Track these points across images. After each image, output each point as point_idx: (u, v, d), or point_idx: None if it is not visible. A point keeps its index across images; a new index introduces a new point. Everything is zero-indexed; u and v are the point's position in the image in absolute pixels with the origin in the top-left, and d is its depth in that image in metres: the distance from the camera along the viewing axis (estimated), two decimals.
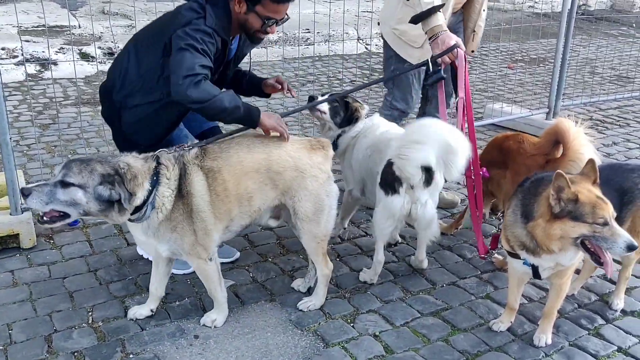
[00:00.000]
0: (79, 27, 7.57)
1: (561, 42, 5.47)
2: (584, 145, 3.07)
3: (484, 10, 3.83)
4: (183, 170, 2.62)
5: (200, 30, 2.75)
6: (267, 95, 3.37)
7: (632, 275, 3.12)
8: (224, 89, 2.91)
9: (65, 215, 2.44)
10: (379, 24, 3.93)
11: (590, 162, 2.51)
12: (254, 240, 3.59)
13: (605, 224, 2.34)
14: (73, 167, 2.39)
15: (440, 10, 3.24)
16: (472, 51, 3.96)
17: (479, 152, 3.44)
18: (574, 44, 8.39)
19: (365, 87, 3.62)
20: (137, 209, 2.52)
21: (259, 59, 7.22)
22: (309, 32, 7.76)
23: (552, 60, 5.75)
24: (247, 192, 2.74)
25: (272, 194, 2.81)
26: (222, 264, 3.19)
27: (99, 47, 6.96)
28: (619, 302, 3.04)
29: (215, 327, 2.82)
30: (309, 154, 2.85)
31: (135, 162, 2.55)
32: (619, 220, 2.74)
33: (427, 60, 3.26)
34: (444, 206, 3.91)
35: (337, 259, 3.43)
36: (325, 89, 6.65)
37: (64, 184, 2.38)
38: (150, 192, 2.53)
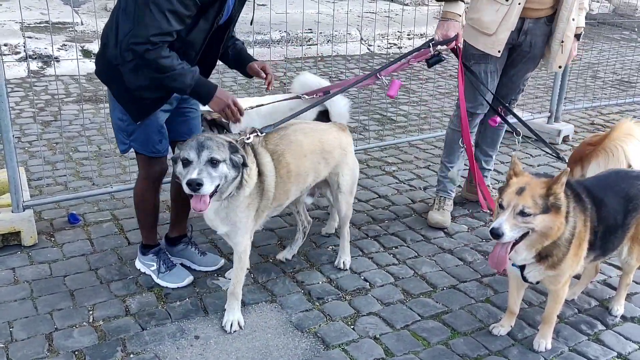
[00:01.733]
0: (82, 24, 7.57)
1: None
2: (622, 138, 3.29)
3: (572, 19, 3.54)
4: (254, 151, 2.83)
5: None
6: (249, 77, 3.24)
7: (632, 281, 3.12)
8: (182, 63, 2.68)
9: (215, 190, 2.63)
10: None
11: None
12: (254, 241, 3.57)
13: (501, 206, 2.44)
14: (213, 146, 2.57)
15: (464, 1, 3.44)
16: (560, 66, 3.67)
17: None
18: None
19: (354, 86, 3.50)
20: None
21: (262, 57, 7.20)
22: (311, 32, 7.76)
23: None
24: (305, 171, 3.02)
25: (324, 171, 3.15)
26: (224, 265, 3.21)
27: None
28: (619, 308, 3.04)
29: (241, 327, 2.83)
30: (344, 134, 3.25)
31: (231, 138, 2.79)
32: (624, 227, 2.77)
33: (428, 43, 3.44)
34: (433, 225, 3.84)
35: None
36: None
37: (214, 162, 2.56)
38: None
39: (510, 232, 2.39)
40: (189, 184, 2.49)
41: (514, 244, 2.46)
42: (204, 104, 2.84)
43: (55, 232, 3.57)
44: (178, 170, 2.62)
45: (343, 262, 3.37)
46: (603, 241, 2.72)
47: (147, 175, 3.07)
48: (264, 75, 3.14)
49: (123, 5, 2.70)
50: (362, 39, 8.26)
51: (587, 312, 3.07)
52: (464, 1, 3.44)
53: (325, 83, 3.64)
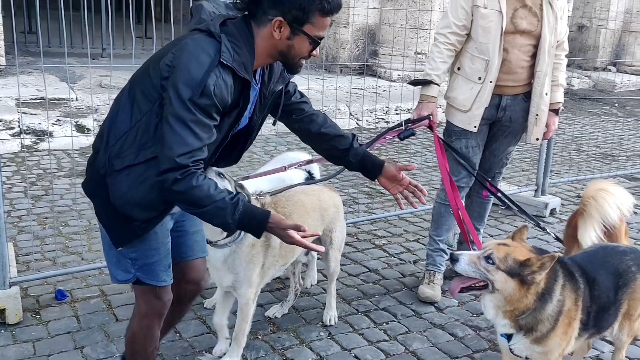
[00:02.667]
0: (77, 99, 7.72)
1: None
2: (599, 188, 3.33)
3: (545, 93, 3.71)
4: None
5: (207, 76, 2.11)
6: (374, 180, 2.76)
7: (625, 357, 3.10)
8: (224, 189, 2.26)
9: None
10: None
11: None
12: None
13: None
14: None
15: (438, 84, 3.65)
16: (537, 138, 3.79)
17: None
18: (560, 122, 8.63)
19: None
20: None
21: None
22: None
23: None
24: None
25: (320, 228, 3.24)
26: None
27: (95, 120, 7.08)
28: None
29: None
30: (335, 194, 3.48)
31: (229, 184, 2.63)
32: (616, 303, 2.75)
33: (402, 122, 3.58)
34: (424, 300, 3.82)
35: (328, 337, 3.38)
36: None
37: None
38: None
39: (465, 265, 2.46)
40: None
41: (473, 287, 2.50)
42: (258, 237, 2.34)
43: (41, 309, 3.51)
44: None
45: (330, 318, 3.50)
46: (597, 320, 2.72)
47: (151, 310, 2.50)
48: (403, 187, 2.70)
49: (124, 104, 2.27)
50: (350, 114, 8.47)
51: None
52: (438, 85, 3.64)
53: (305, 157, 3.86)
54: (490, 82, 3.59)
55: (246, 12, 2.26)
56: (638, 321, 2.91)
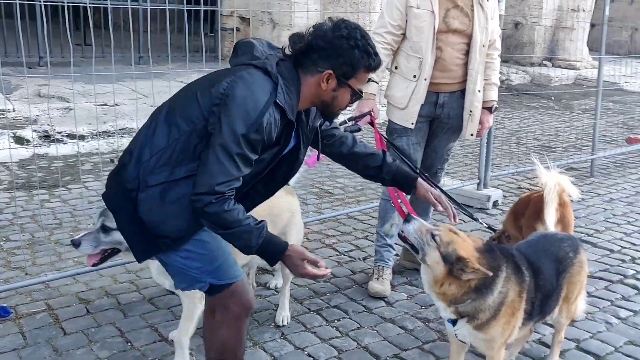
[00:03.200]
0: (14, 110, 7.49)
1: None
2: (549, 180, 3.63)
3: (478, 90, 3.85)
4: None
5: (260, 115, 2.21)
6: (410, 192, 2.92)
7: (565, 338, 3.25)
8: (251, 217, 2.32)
9: (115, 251, 2.85)
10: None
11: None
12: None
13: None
14: (109, 214, 2.66)
15: (377, 82, 3.66)
16: (472, 134, 3.93)
17: None
18: (500, 117, 8.93)
19: None
20: None
21: None
22: None
23: None
24: None
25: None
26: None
27: (35, 130, 6.89)
28: None
29: None
30: (292, 197, 3.51)
31: None
32: (558, 289, 2.89)
33: (345, 120, 3.66)
34: (374, 295, 3.89)
35: (281, 337, 3.42)
36: None
37: (105, 229, 2.76)
38: None
39: (412, 230, 2.57)
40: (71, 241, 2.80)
41: (409, 245, 2.62)
42: (272, 265, 2.49)
43: None
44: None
45: (282, 318, 3.53)
46: (542, 307, 2.84)
47: (242, 309, 2.51)
48: (438, 206, 2.81)
49: (161, 122, 2.34)
50: None
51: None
52: (376, 83, 3.71)
53: None
54: (425, 79, 3.71)
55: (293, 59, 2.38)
56: (575, 304, 3.07)
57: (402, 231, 2.63)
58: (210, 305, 2.61)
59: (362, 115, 3.74)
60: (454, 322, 2.69)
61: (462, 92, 3.87)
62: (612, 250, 4.73)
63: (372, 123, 3.76)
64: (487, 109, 3.98)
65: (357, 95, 2.45)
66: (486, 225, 3.46)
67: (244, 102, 2.21)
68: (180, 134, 2.28)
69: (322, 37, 2.32)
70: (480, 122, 3.98)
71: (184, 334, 3.04)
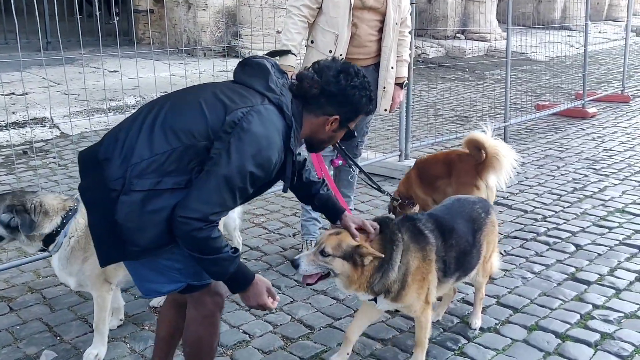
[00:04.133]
0: None
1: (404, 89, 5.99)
2: (498, 144, 4.03)
3: (391, 67, 3.98)
4: None
5: (268, 149, 2.23)
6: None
7: (486, 295, 3.45)
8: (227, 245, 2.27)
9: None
10: None
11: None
12: (127, 310, 3.49)
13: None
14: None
15: (295, 55, 3.77)
16: (385, 109, 4.08)
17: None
18: (417, 90, 9.19)
19: None
20: (51, 240, 2.90)
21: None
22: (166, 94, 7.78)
23: (399, 106, 6.27)
24: None
25: None
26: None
27: None
28: (477, 321, 3.34)
29: None
30: None
31: (52, 199, 2.95)
32: (476, 245, 3.07)
33: None
34: None
35: None
36: None
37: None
38: (63, 224, 2.89)
39: (306, 266, 2.67)
40: None
41: (322, 277, 2.72)
42: (234, 293, 2.35)
43: None
44: None
45: None
46: (460, 263, 3.00)
47: (215, 306, 2.48)
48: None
49: (158, 127, 2.22)
50: None
51: (451, 329, 3.34)
52: (295, 55, 3.79)
53: None
54: (341, 55, 3.78)
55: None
56: (490, 262, 3.27)
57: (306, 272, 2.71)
58: (175, 300, 2.58)
59: None
60: (375, 300, 2.82)
61: (375, 66, 3.99)
62: (525, 211, 5.03)
63: None
64: (398, 84, 4.15)
65: (350, 134, 2.56)
66: (391, 196, 3.65)
67: (258, 141, 2.19)
68: (177, 144, 2.19)
69: (335, 84, 2.38)
70: (392, 98, 4.12)
71: (102, 323, 3.04)
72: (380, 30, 3.90)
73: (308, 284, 2.77)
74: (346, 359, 3.00)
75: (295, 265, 2.69)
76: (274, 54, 3.86)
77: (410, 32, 4.19)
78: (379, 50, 3.94)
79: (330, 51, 3.79)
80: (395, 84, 4.10)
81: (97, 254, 2.35)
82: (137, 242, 2.21)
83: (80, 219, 2.95)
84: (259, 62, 2.41)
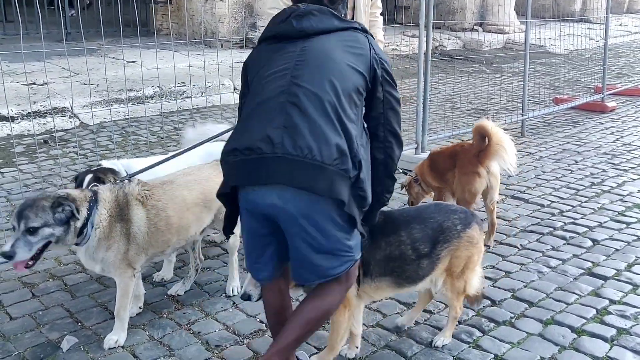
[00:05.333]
0: None
1: (421, 81, 5.98)
2: (502, 133, 4.06)
3: None
4: (124, 199, 3.06)
5: None
6: None
7: (501, 288, 3.45)
8: None
9: (46, 246, 2.90)
10: None
11: None
12: (146, 298, 3.54)
13: None
14: (30, 215, 2.79)
15: None
16: None
17: None
18: (434, 83, 9.15)
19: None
20: (80, 232, 2.93)
21: (136, 114, 7.18)
22: (185, 85, 7.84)
23: (416, 99, 6.26)
24: (187, 223, 3.24)
25: (207, 218, 3.34)
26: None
27: None
28: (442, 338, 3.10)
29: (119, 346, 3.07)
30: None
31: (73, 193, 3.00)
32: (432, 257, 2.85)
33: None
34: None
35: (233, 307, 3.48)
36: None
37: (31, 230, 2.80)
38: (88, 215, 2.92)
39: (253, 295, 2.71)
40: (1, 254, 2.80)
41: None
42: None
43: None
44: None
45: (232, 288, 3.61)
46: (390, 268, 2.83)
47: (350, 285, 2.61)
48: None
49: (342, 111, 2.32)
50: (235, 88, 8.46)
51: (466, 322, 3.35)
52: None
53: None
54: None
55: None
56: (463, 279, 3.00)
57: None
58: (279, 286, 2.65)
59: None
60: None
61: None
62: (542, 205, 5.01)
63: None
64: None
65: None
66: (401, 170, 3.73)
67: (387, 60, 2.55)
68: (358, 113, 2.42)
69: None
70: None
71: (123, 309, 3.12)
72: (352, 17, 3.97)
73: None
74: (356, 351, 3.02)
75: (245, 298, 2.71)
76: None
77: (381, 14, 4.24)
78: None
79: None
80: None
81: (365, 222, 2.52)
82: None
83: (102, 209, 3.00)
84: (320, 8, 2.48)
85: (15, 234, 2.82)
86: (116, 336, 3.09)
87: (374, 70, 2.46)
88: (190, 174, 3.39)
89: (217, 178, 3.32)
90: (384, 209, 2.77)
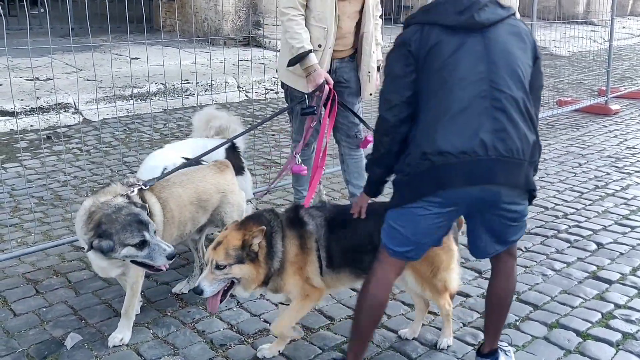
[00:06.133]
0: None
1: None
2: None
3: (373, 52, 4.09)
4: (142, 197, 3.06)
5: None
6: None
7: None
8: None
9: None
10: (277, 70, 4.30)
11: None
12: (150, 296, 3.54)
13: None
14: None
15: (312, 51, 3.83)
16: (370, 94, 4.18)
17: None
18: None
19: (251, 131, 3.91)
20: None
21: (140, 111, 7.16)
22: (189, 82, 7.82)
23: None
24: (184, 220, 3.27)
25: (203, 218, 3.39)
26: None
27: None
28: (445, 339, 3.10)
29: (124, 344, 3.05)
30: (222, 175, 3.48)
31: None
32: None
33: (305, 95, 3.85)
34: None
35: (237, 306, 3.48)
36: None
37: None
38: None
39: (210, 288, 2.66)
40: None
41: (227, 290, 2.74)
42: None
43: None
44: (127, 253, 2.84)
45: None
46: (350, 259, 2.90)
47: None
48: None
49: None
50: (239, 86, 8.45)
51: (471, 324, 3.35)
52: (312, 51, 3.83)
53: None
54: (330, 48, 3.93)
55: None
56: (437, 279, 2.94)
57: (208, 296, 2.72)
58: (402, 267, 2.73)
59: (321, 87, 3.82)
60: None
61: (351, 56, 4.12)
62: (546, 208, 5.00)
63: (330, 90, 3.86)
64: (377, 67, 4.23)
65: None
66: None
67: None
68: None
69: None
70: None
71: (132, 308, 3.11)
72: (358, 22, 4.02)
73: (212, 313, 2.85)
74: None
75: (198, 291, 2.67)
76: (294, 62, 3.92)
77: (380, 16, 4.28)
78: (355, 42, 4.07)
79: (320, 45, 3.89)
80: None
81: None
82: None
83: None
84: None
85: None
86: (121, 334, 3.09)
87: (537, 58, 2.58)
88: (184, 174, 3.39)
89: (211, 179, 3.41)
90: (346, 202, 2.89)
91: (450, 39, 2.43)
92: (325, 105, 3.88)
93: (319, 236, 2.87)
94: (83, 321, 3.30)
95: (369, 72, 4.10)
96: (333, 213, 2.98)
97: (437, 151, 2.38)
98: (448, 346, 3.10)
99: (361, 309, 2.66)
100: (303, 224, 2.88)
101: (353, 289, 3.68)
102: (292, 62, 3.92)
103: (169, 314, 3.39)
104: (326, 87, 3.83)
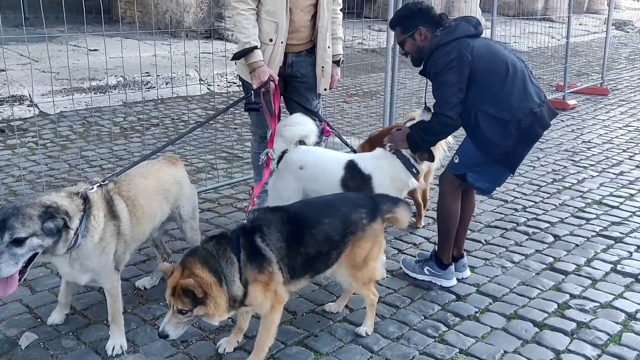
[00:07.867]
0: None
1: (389, 76, 6.01)
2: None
3: (328, 47, 4.09)
4: (109, 196, 2.92)
5: None
6: None
7: (466, 283, 3.48)
8: None
9: (32, 259, 2.60)
10: (235, 63, 4.24)
11: None
12: None
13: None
14: (15, 225, 2.48)
15: (258, 48, 3.82)
16: (325, 89, 4.16)
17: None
18: (401, 77, 9.18)
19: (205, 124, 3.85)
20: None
21: (99, 104, 7.01)
22: (149, 75, 7.68)
23: (383, 94, 6.28)
24: (154, 212, 3.20)
25: (167, 208, 3.33)
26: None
27: None
28: (364, 328, 3.17)
29: (124, 352, 2.94)
30: (176, 168, 3.44)
31: (62, 199, 2.70)
32: (340, 246, 2.98)
33: (251, 92, 3.86)
34: None
35: None
36: (171, 131, 6.62)
37: (18, 242, 2.49)
38: (80, 222, 2.70)
39: (175, 331, 2.65)
40: None
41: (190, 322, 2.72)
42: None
43: None
44: None
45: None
46: (309, 267, 2.96)
47: None
48: None
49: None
50: (201, 79, 8.34)
51: (432, 316, 3.39)
52: (258, 48, 3.84)
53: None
54: (282, 42, 3.91)
55: None
56: (367, 269, 3.10)
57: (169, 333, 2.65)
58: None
59: (265, 84, 3.82)
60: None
61: (308, 51, 4.11)
62: (506, 201, 5.10)
63: (276, 87, 3.86)
64: (335, 62, 4.24)
65: None
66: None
67: None
68: None
69: None
70: (330, 76, 4.21)
71: (118, 314, 3.00)
72: (314, 16, 4.01)
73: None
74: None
75: (164, 335, 2.64)
76: (238, 56, 3.93)
77: (341, 10, 4.28)
78: (312, 36, 4.06)
79: (271, 40, 3.88)
80: (333, 62, 4.20)
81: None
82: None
83: (98, 213, 2.81)
84: (471, 17, 3.55)
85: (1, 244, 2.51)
86: (118, 342, 2.97)
87: None
88: (142, 167, 3.31)
89: (168, 170, 3.39)
90: (294, 208, 3.04)
91: (475, 43, 3.40)
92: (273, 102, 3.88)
93: (280, 257, 2.81)
94: (39, 320, 3.22)
95: (323, 67, 4.10)
96: (287, 226, 2.89)
97: (530, 110, 3.34)
98: (367, 334, 3.15)
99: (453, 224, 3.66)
100: (260, 253, 2.77)
101: (316, 284, 3.70)
102: (236, 56, 3.95)
103: (129, 310, 3.33)
104: (271, 84, 3.84)
